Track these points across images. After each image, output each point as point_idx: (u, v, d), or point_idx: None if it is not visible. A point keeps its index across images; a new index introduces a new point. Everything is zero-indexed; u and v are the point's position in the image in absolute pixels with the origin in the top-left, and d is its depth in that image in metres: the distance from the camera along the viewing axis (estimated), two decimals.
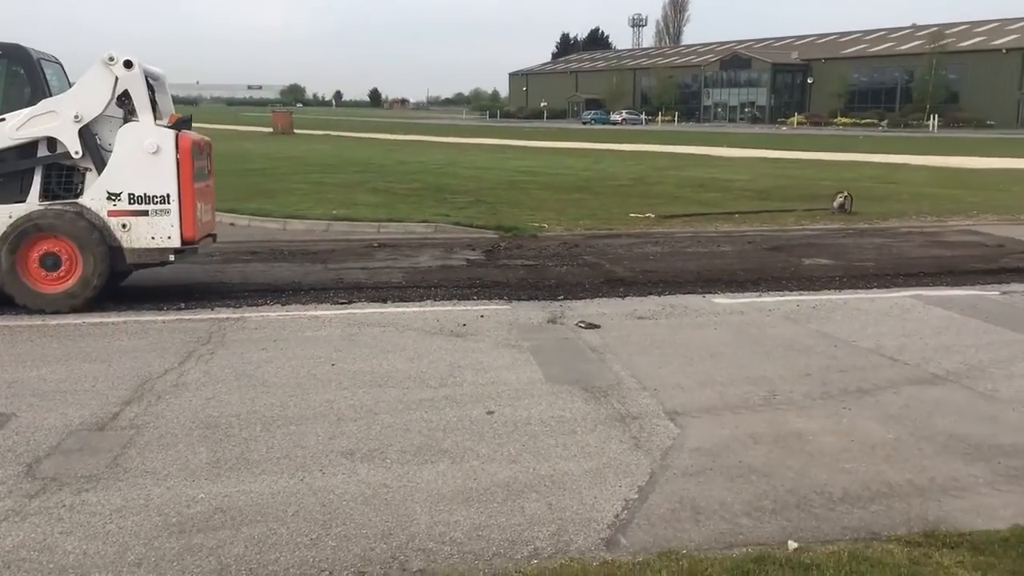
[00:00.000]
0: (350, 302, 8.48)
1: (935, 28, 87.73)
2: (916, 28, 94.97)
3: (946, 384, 6.03)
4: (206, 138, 8.77)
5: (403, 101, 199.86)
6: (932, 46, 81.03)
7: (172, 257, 8.06)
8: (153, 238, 7.95)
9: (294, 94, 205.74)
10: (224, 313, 7.95)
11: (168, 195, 7.92)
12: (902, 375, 6.23)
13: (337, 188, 19.32)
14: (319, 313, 8.01)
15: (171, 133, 7.98)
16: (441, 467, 4.55)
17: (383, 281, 9.48)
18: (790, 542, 3.79)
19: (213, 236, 9.11)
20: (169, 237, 7.98)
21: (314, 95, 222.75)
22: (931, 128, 73.37)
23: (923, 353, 6.78)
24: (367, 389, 5.81)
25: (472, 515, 4.02)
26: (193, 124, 8.75)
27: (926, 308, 8.35)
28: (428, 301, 8.58)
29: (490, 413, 5.38)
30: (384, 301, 8.54)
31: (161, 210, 7.92)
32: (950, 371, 6.31)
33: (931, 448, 4.88)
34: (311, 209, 15.27)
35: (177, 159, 7.92)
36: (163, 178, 7.90)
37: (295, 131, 53.78)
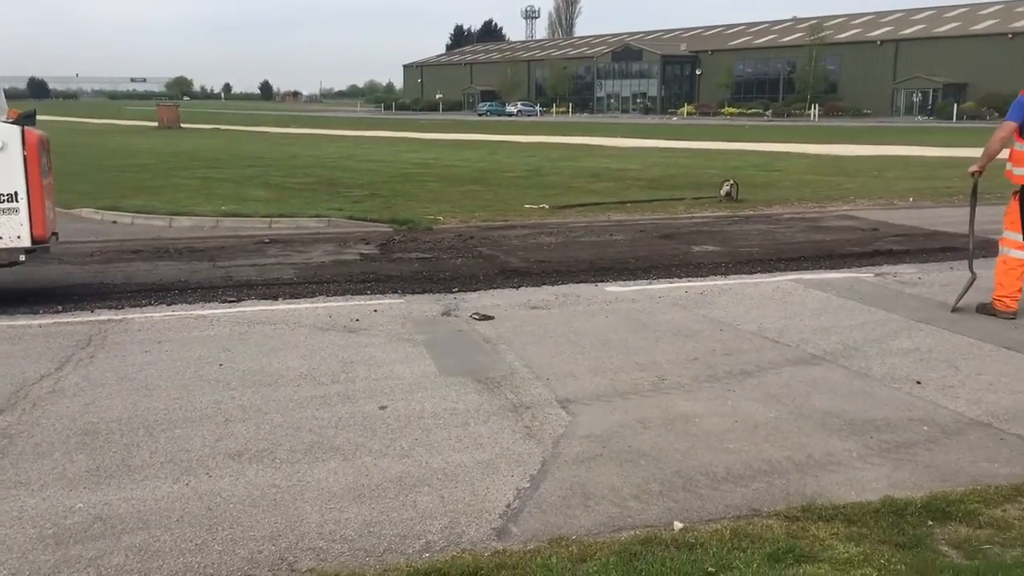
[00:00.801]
0: (239, 300, 8.28)
1: (814, 20, 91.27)
2: (797, 21, 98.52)
3: (824, 364, 6.29)
4: (46, 134, 8.41)
5: (295, 94, 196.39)
6: (812, 38, 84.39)
7: (22, 257, 7.69)
8: (1, 238, 7.58)
9: (181, 87, 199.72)
10: (105, 315, 7.66)
11: (16, 193, 7.53)
12: (783, 356, 6.47)
13: (226, 183, 18.85)
14: (207, 312, 7.79)
15: (16, 129, 7.59)
16: (332, 465, 4.50)
17: (274, 278, 9.30)
18: (676, 522, 3.89)
19: (56, 235, 8.72)
20: (19, 236, 7.60)
21: (202, 88, 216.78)
22: (812, 117, 76.33)
23: (803, 334, 7.05)
24: (256, 388, 5.70)
25: (363, 512, 3.99)
26: (65, 119, 8.39)
27: (806, 291, 8.68)
28: (320, 297, 8.45)
29: (383, 408, 5.34)
30: (275, 298, 8.37)
31: (9, 209, 7.54)
32: (827, 351, 6.59)
33: (809, 426, 5.08)
34: (199, 206, 14.86)
35: (24, 155, 7.54)
36: (10, 175, 7.50)
37: (182, 125, 52.19)
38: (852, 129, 53.29)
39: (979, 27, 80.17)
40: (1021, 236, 7.44)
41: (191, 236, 12.40)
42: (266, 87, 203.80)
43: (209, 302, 8.20)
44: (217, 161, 25.54)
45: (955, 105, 71.65)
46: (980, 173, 7.73)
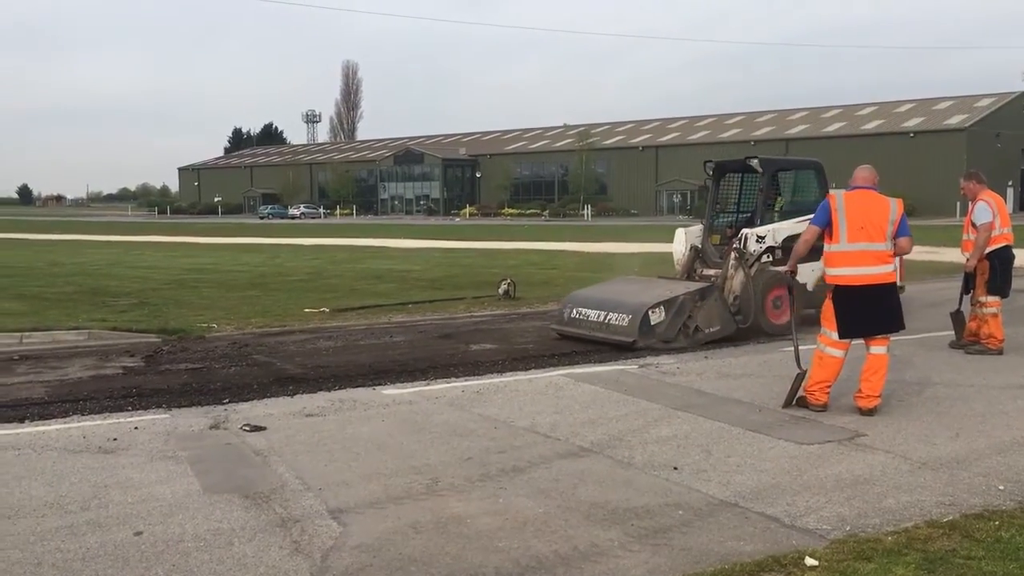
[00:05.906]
0: None
1: (583, 127, 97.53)
2: (567, 127, 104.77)
3: (591, 456, 6.54)
4: None
5: (59, 198, 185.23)
6: (581, 144, 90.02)
7: None
8: None
9: None
10: None
11: None
12: (553, 450, 6.68)
13: None
14: None
15: None
16: None
17: (22, 398, 8.56)
18: None
19: None
20: None
21: None
22: (585, 217, 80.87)
23: (572, 428, 7.32)
24: None
25: None
26: None
27: (576, 385, 9.04)
28: (75, 416, 7.87)
29: (138, 534, 5.00)
30: (21, 420, 7.70)
31: None
32: (594, 443, 6.86)
33: (576, 518, 5.25)
34: None
35: None
36: None
37: None
38: (621, 228, 56.79)
39: (726, 135, 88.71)
40: (836, 334, 7.57)
41: None
42: (25, 191, 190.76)
43: None
44: None
45: None
46: (793, 273, 8.26)
